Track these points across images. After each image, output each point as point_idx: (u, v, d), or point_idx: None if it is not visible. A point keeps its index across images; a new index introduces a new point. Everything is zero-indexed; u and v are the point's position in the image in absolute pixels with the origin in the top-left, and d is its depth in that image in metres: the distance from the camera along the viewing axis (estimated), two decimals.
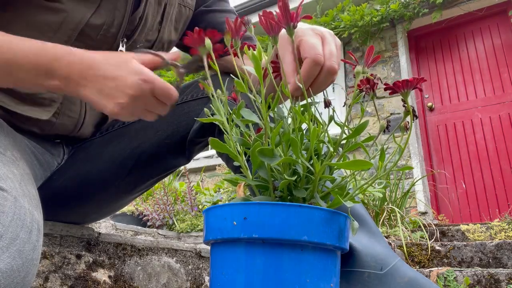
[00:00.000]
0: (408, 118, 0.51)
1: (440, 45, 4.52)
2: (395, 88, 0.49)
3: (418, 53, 4.63)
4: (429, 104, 4.37)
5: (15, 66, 0.56)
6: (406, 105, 0.50)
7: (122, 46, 0.80)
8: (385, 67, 4.56)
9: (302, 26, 0.62)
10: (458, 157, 4.08)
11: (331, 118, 0.52)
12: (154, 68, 0.63)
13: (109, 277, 0.87)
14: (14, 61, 0.56)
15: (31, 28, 0.71)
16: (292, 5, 5.02)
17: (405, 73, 4.37)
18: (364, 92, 0.51)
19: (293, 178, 0.47)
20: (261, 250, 0.44)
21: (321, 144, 0.51)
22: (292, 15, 0.48)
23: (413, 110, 0.51)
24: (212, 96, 0.53)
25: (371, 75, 0.51)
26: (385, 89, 0.50)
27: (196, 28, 0.53)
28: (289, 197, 0.50)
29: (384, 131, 0.54)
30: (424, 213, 3.73)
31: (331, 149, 0.48)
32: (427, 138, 4.29)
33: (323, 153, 0.51)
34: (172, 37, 0.94)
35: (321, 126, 0.50)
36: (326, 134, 0.50)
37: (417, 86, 0.49)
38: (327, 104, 0.54)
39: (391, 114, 4.37)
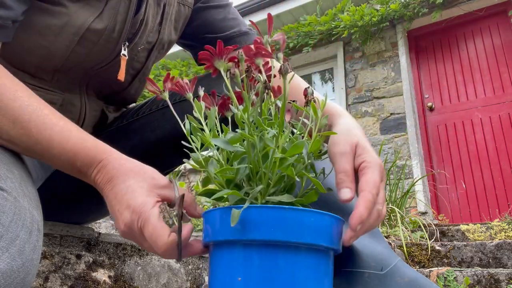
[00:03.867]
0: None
1: (440, 45, 4.52)
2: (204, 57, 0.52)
3: (418, 53, 4.62)
4: (429, 104, 4.37)
5: (47, 154, 0.57)
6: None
7: (124, 50, 0.80)
8: (385, 67, 4.56)
9: (357, 132, 0.59)
10: (458, 157, 4.08)
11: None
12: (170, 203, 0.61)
13: (109, 277, 0.87)
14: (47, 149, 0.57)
15: (32, 31, 0.70)
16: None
17: (405, 73, 4.37)
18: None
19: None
20: (257, 252, 0.45)
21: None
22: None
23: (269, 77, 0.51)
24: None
25: (285, 59, 0.47)
26: (199, 64, 0.52)
27: (208, 46, 0.53)
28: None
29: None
30: (424, 213, 3.73)
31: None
32: (427, 138, 4.29)
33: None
34: (172, 37, 0.94)
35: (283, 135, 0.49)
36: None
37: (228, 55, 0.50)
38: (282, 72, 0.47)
39: (391, 114, 4.37)
